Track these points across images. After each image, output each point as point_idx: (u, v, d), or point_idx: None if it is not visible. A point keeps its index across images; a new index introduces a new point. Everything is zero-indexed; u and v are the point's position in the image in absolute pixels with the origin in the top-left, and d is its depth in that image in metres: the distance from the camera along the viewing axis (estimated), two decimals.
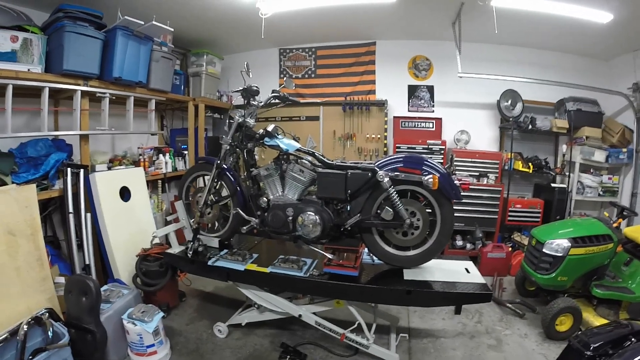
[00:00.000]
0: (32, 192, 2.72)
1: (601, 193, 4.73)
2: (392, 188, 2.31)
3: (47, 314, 2.23)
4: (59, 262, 3.16)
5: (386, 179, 2.30)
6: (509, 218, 4.67)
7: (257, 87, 2.68)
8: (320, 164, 2.54)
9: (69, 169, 3.16)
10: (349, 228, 2.45)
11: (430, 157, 2.51)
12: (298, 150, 2.57)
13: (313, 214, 2.44)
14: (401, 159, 2.40)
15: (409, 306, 3.28)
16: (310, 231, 2.46)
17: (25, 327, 2.06)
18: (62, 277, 2.91)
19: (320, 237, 2.48)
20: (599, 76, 4.91)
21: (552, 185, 4.76)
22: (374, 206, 2.42)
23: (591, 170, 4.77)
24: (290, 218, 2.52)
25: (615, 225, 3.34)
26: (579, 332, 2.18)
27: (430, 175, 2.22)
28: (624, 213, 3.55)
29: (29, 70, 2.90)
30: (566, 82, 4.66)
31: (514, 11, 3.63)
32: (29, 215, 2.62)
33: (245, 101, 2.73)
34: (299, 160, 2.59)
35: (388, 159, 2.42)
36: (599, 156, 4.62)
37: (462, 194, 2.38)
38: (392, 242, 2.47)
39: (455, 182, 2.33)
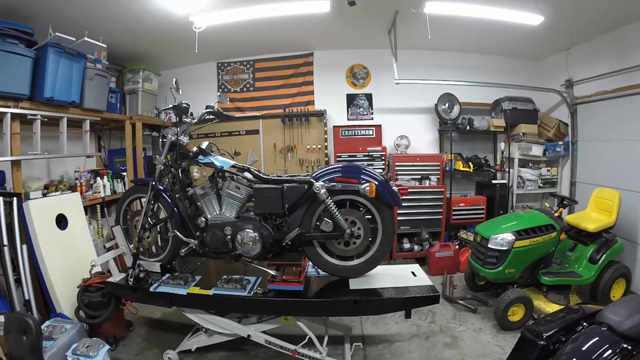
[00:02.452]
0: None
1: (541, 185, 5.00)
2: (330, 199, 2.31)
3: None
4: None
5: (323, 190, 2.29)
6: (454, 217, 4.82)
7: (187, 104, 2.62)
8: (256, 180, 2.50)
9: (1, 198, 2.95)
10: (290, 242, 2.42)
11: (370, 165, 2.54)
12: (233, 166, 2.52)
13: (252, 231, 2.40)
14: (338, 169, 2.41)
15: (357, 316, 3.28)
16: (250, 249, 2.41)
17: None
18: (1, 315, 2.68)
19: (261, 253, 2.43)
20: (532, 75, 5.22)
21: (493, 181, 4.97)
22: (313, 218, 2.41)
23: (530, 165, 5.03)
24: (229, 237, 2.46)
25: (557, 214, 3.54)
26: (531, 322, 2.25)
27: (367, 184, 2.24)
28: (564, 202, 3.76)
29: None
30: (501, 83, 4.91)
31: (446, 17, 3.75)
32: None
33: (177, 119, 2.65)
34: (234, 177, 2.54)
35: (325, 169, 2.43)
36: (537, 150, 4.88)
37: (404, 198, 2.42)
38: (335, 252, 2.47)
39: (394, 188, 2.37)
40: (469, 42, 4.80)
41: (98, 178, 4.13)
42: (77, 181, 3.93)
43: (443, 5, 3.59)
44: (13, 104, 3.10)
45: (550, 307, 3.15)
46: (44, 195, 3.50)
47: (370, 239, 2.43)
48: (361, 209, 2.43)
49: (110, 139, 5.07)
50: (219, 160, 2.52)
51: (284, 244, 2.45)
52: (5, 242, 2.94)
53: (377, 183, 2.27)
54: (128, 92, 4.79)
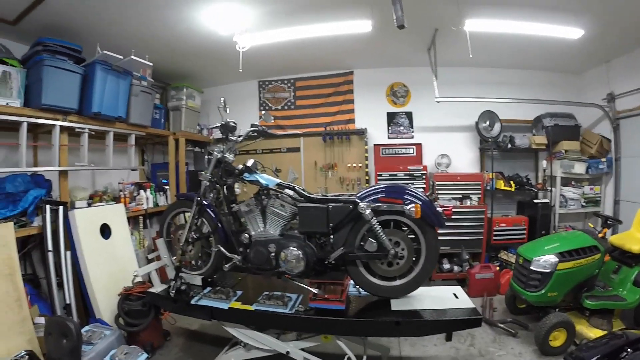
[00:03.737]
0: (10, 230, 2.67)
1: (584, 204, 4.81)
2: (375, 219, 2.30)
3: (27, 356, 2.20)
4: (38, 302, 3.07)
5: (368, 211, 2.28)
6: (495, 237, 4.68)
7: (234, 122, 2.68)
8: (301, 198, 2.52)
9: (47, 206, 3.10)
10: (333, 261, 2.41)
11: (412, 184, 2.52)
12: (278, 184, 2.55)
13: (296, 249, 2.41)
14: (383, 189, 2.40)
15: (398, 337, 3.21)
16: (293, 266, 2.41)
17: None
18: (42, 317, 2.82)
19: (304, 272, 2.43)
20: (573, 90, 5.09)
21: (535, 201, 4.81)
22: (357, 238, 2.40)
23: (572, 183, 4.85)
24: (273, 254, 2.47)
25: (600, 235, 3.39)
26: (574, 348, 2.16)
27: (413, 205, 2.22)
28: (608, 222, 3.60)
29: (7, 104, 2.89)
30: (541, 99, 4.82)
31: (486, 34, 3.74)
32: (6, 254, 2.57)
33: (224, 136, 2.72)
34: (279, 195, 2.56)
35: (369, 189, 2.42)
36: (579, 168, 4.72)
37: (445, 219, 2.38)
38: (378, 272, 2.44)
39: (438, 208, 2.33)
40: (508, 57, 4.73)
41: (141, 190, 4.28)
42: (121, 193, 4.09)
43: (483, 22, 3.58)
44: (62, 117, 3.27)
45: (593, 332, 3.00)
46: (89, 205, 3.64)
47: (413, 260, 2.40)
48: (404, 229, 2.40)
49: (153, 153, 5.26)
50: (264, 179, 2.56)
51: (326, 262, 2.45)
52: (50, 247, 3.09)
53: (421, 204, 2.25)
54: (172, 109, 4.96)
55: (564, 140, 4.78)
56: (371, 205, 2.31)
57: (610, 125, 4.66)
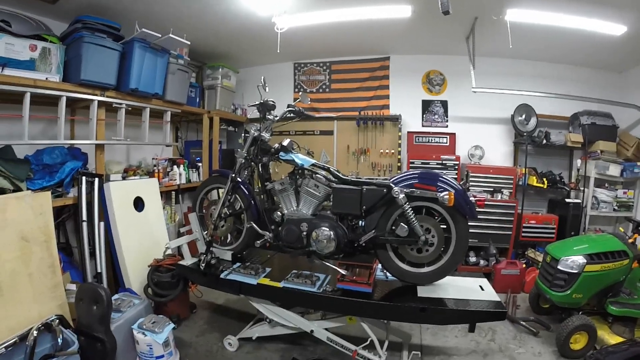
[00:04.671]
0: (47, 199, 2.74)
1: (616, 208, 4.65)
2: (408, 204, 2.30)
3: (58, 320, 2.25)
4: (70, 270, 3.19)
5: (402, 195, 2.29)
6: (523, 234, 4.60)
7: (273, 101, 2.72)
8: (335, 179, 2.54)
9: (83, 178, 3.20)
10: (364, 244, 2.43)
11: (445, 173, 2.49)
12: (313, 165, 2.58)
13: (327, 229, 2.44)
14: (416, 175, 2.39)
15: (422, 324, 3.23)
16: (324, 247, 2.45)
17: (35, 332, 2.09)
18: (73, 284, 2.93)
19: (334, 252, 2.47)
20: (612, 89, 4.88)
21: (567, 200, 4.69)
22: (388, 222, 2.41)
23: (606, 185, 4.70)
24: (305, 233, 2.51)
25: (630, 240, 3.28)
26: (594, 351, 2.13)
27: (446, 192, 2.21)
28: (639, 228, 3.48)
29: (46, 79, 2.96)
30: (580, 96, 4.63)
31: (527, 25, 3.63)
32: (43, 222, 2.64)
33: (261, 115, 2.76)
34: (313, 175, 2.59)
35: (403, 175, 2.42)
36: (614, 170, 4.55)
37: (477, 210, 2.36)
38: (407, 258, 2.45)
39: (471, 198, 2.32)
40: (548, 50, 4.58)
41: (175, 166, 4.38)
42: (154, 168, 4.19)
43: (524, 12, 3.49)
44: (100, 92, 3.35)
45: (614, 339, 2.93)
46: (123, 178, 3.74)
47: (442, 248, 2.39)
48: (436, 217, 2.40)
49: (187, 131, 5.35)
50: (299, 158, 2.59)
51: (356, 245, 2.48)
52: (85, 217, 3.19)
53: (455, 192, 2.23)
54: (207, 88, 5.02)
55: (600, 140, 4.61)
56: (405, 190, 2.31)
57: None
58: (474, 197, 2.37)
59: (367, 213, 2.43)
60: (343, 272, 2.46)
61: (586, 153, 4.69)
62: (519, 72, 4.92)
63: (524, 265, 4.35)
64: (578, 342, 2.95)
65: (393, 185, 2.32)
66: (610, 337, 2.99)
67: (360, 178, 2.51)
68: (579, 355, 2.88)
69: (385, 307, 2.40)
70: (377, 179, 2.48)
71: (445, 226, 2.38)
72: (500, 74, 4.83)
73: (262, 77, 2.76)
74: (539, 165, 5.04)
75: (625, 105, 4.62)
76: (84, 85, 3.21)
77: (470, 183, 4.62)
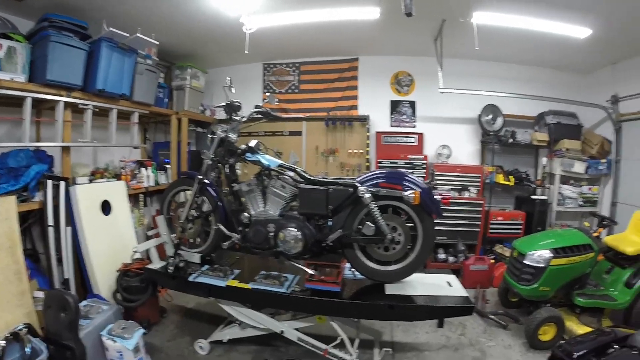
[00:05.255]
0: (12, 204, 2.67)
1: (581, 203, 4.83)
2: (374, 203, 2.33)
3: (25, 329, 2.19)
4: (37, 276, 3.07)
5: (367, 195, 2.31)
6: (491, 230, 4.71)
7: (239, 102, 2.70)
8: (302, 180, 2.55)
9: (49, 181, 3.10)
10: (331, 244, 2.45)
11: (412, 172, 2.53)
12: (280, 165, 2.57)
13: (295, 229, 2.44)
14: (382, 175, 2.43)
15: (391, 321, 3.27)
16: (291, 247, 2.45)
17: (2, 342, 2.03)
18: (40, 291, 2.82)
19: (302, 252, 2.47)
20: (577, 89, 5.06)
21: (533, 197, 4.82)
22: (355, 221, 2.43)
23: (571, 182, 4.86)
24: (272, 234, 2.50)
25: (595, 234, 3.41)
26: (562, 342, 2.20)
27: (412, 191, 2.25)
28: (604, 222, 3.62)
29: (12, 79, 2.86)
30: (546, 96, 4.78)
31: (494, 27, 3.70)
32: (7, 227, 2.57)
33: (228, 116, 2.73)
34: (280, 176, 2.59)
35: (369, 174, 2.45)
36: (579, 167, 4.72)
37: (443, 208, 2.41)
38: (374, 257, 2.47)
39: (436, 197, 2.36)
40: (515, 52, 4.71)
41: (142, 168, 4.29)
42: (122, 170, 4.10)
43: (491, 15, 3.55)
44: (66, 93, 3.25)
45: (582, 329, 3.04)
46: (90, 181, 3.63)
47: (409, 246, 2.43)
48: (402, 215, 2.43)
49: (155, 132, 5.25)
50: (266, 159, 2.58)
51: (324, 244, 2.48)
52: (51, 222, 3.09)
53: (420, 190, 2.27)
54: (175, 88, 4.95)
55: (566, 139, 4.77)
56: (371, 189, 2.33)
57: (613, 127, 4.65)
58: (440, 195, 2.42)
59: (334, 213, 2.44)
60: (311, 272, 2.47)
61: (552, 151, 4.84)
62: (486, 73, 5.03)
63: (492, 261, 4.47)
64: (547, 334, 3.05)
65: (359, 185, 2.35)
66: (578, 328, 3.10)
67: (326, 178, 2.53)
68: (548, 346, 2.95)
69: (354, 306, 2.43)
70: (344, 179, 2.49)
71: (411, 224, 2.42)
72: (468, 75, 4.93)
73: (228, 78, 2.75)
74: (506, 164, 5.17)
75: (590, 105, 4.79)
76: (50, 86, 3.11)
77: (437, 181, 4.69)
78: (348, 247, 2.48)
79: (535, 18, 3.58)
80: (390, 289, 2.48)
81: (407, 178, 2.37)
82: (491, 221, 4.69)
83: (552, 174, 4.82)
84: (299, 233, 2.43)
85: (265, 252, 2.59)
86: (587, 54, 4.41)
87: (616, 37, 3.85)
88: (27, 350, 2.10)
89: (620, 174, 4.62)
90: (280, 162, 2.59)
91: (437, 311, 2.40)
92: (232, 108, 2.68)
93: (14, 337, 2.12)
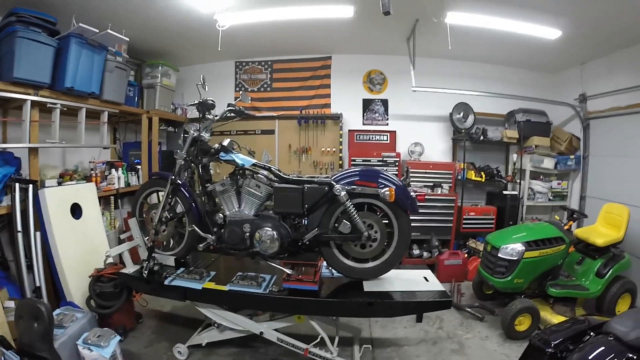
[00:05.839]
0: None
1: (551, 198, 5.01)
2: (349, 201, 2.33)
3: None
4: (7, 285, 2.98)
5: (343, 193, 2.32)
6: (464, 225, 4.82)
7: (213, 100, 2.65)
8: (276, 179, 2.53)
9: (17, 184, 2.98)
10: (307, 242, 2.44)
11: (386, 170, 2.55)
12: (254, 165, 2.55)
13: (270, 229, 2.42)
14: (357, 173, 2.44)
15: (371, 317, 3.30)
16: (268, 247, 2.43)
17: None
18: (11, 300, 2.74)
19: (278, 252, 2.45)
20: (546, 88, 5.24)
21: (504, 192, 4.96)
22: (331, 220, 2.44)
23: (541, 177, 5.03)
24: (248, 234, 2.48)
25: (566, 227, 3.54)
26: (539, 331, 2.27)
27: (387, 188, 2.27)
28: (574, 216, 3.76)
29: None
30: (516, 95, 4.93)
31: (466, 28, 3.78)
32: None
33: (201, 115, 2.68)
34: (255, 175, 2.56)
35: (344, 172, 2.45)
36: (548, 163, 4.89)
37: (418, 204, 2.44)
38: (351, 254, 2.49)
39: (412, 193, 2.39)
40: (486, 52, 4.82)
41: (113, 170, 4.16)
42: (92, 172, 3.96)
43: (464, 16, 3.63)
44: (33, 91, 3.12)
45: (556, 319, 3.16)
46: (59, 184, 3.51)
47: (385, 243, 2.45)
48: (378, 213, 2.45)
49: (125, 132, 5.10)
50: (240, 158, 2.54)
51: (300, 243, 2.48)
52: (19, 228, 2.98)
53: (395, 188, 2.29)
54: (146, 87, 4.83)
55: (535, 136, 4.93)
56: (346, 187, 2.34)
57: (581, 124, 4.83)
58: (415, 192, 2.45)
59: (310, 211, 2.43)
60: (288, 271, 2.45)
61: (522, 148, 4.99)
62: (458, 72, 5.15)
63: (466, 255, 4.58)
64: (522, 324, 3.15)
65: (334, 183, 2.35)
66: (552, 317, 3.22)
67: (301, 177, 2.52)
68: (524, 336, 3.06)
69: (332, 304, 2.43)
70: (318, 177, 2.49)
71: (387, 221, 2.44)
72: (440, 74, 5.04)
73: (202, 76, 2.69)
74: (477, 160, 5.30)
75: (559, 103, 4.98)
76: (17, 84, 2.98)
77: (411, 179, 4.75)
78: (325, 246, 2.48)
79: (506, 19, 3.67)
80: (369, 286, 2.49)
81: (382, 175, 2.40)
82: (464, 216, 4.80)
83: (523, 170, 4.96)
84: (275, 232, 2.41)
85: (242, 252, 2.56)
86: (557, 54, 4.55)
87: (585, 38, 4.00)
88: None
89: (588, 169, 4.82)
90: (254, 161, 2.56)
91: (416, 306, 2.44)
92: (205, 106, 2.63)
93: None
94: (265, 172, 2.55)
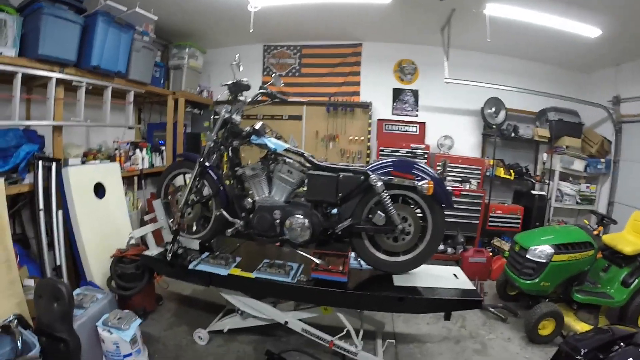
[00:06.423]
0: (0, 187, 2.53)
1: (579, 201, 4.87)
2: (385, 192, 2.26)
3: (16, 320, 2.05)
4: (28, 263, 2.94)
5: (380, 183, 2.24)
6: (490, 223, 4.72)
7: (247, 81, 2.57)
8: (309, 165, 2.46)
9: (40, 162, 2.95)
10: (339, 232, 2.37)
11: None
12: (287, 150, 2.47)
13: (302, 217, 2.35)
14: (391, 163, 2.35)
15: (401, 313, 3.23)
16: (298, 235, 2.37)
17: None
18: (31, 279, 2.70)
19: (308, 241, 2.40)
20: (580, 88, 5.08)
21: (532, 192, 4.85)
22: (364, 210, 2.36)
23: (570, 179, 4.90)
24: (278, 221, 2.41)
25: (595, 232, 3.42)
26: (568, 337, 2.21)
27: (425, 181, 2.19)
28: (604, 221, 3.64)
29: (1, 53, 2.69)
30: (549, 93, 4.78)
31: (504, 20, 3.67)
32: None
33: (232, 96, 2.61)
34: (287, 161, 2.49)
35: (380, 162, 2.37)
36: (578, 165, 4.75)
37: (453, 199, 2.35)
38: (382, 247, 2.42)
39: (448, 188, 2.30)
40: (521, 47, 4.69)
41: (137, 150, 4.14)
42: (116, 151, 3.95)
43: (504, 7, 3.51)
44: (59, 69, 3.08)
45: (580, 326, 3.08)
46: (83, 162, 3.49)
47: (418, 237, 2.37)
48: (412, 205, 2.37)
49: (150, 113, 5.08)
50: (272, 142, 2.46)
51: (330, 233, 2.41)
52: (42, 206, 2.96)
53: (434, 181, 2.21)
54: (172, 67, 4.79)
55: (566, 136, 4.79)
56: (383, 178, 2.26)
57: (613, 127, 4.70)
58: (451, 186, 2.37)
59: (343, 201, 2.36)
60: (317, 261, 2.38)
61: (552, 147, 4.84)
62: (491, 66, 5.00)
63: (491, 254, 4.47)
64: (546, 328, 3.06)
65: (370, 173, 2.27)
66: (576, 324, 3.13)
67: (335, 164, 2.44)
68: (547, 341, 3.00)
69: (362, 297, 2.36)
70: (353, 165, 2.41)
71: (421, 214, 2.36)
72: (472, 67, 4.89)
73: (237, 55, 2.60)
74: (507, 157, 5.19)
75: (592, 104, 4.82)
76: (42, 61, 2.93)
77: (448, 173, 4.66)
78: (356, 237, 2.41)
79: (547, 14, 3.55)
80: (398, 280, 2.43)
81: (417, 167, 2.32)
82: (490, 214, 4.70)
83: (552, 170, 4.84)
84: (306, 221, 2.35)
85: (270, 239, 2.50)
86: (594, 54, 4.42)
87: (624, 38, 3.87)
88: (19, 343, 1.97)
89: (618, 174, 4.68)
90: (287, 145, 2.48)
91: (446, 304, 2.36)
92: (239, 87, 2.56)
93: (4, 330, 1.99)
94: (298, 158, 2.48)
